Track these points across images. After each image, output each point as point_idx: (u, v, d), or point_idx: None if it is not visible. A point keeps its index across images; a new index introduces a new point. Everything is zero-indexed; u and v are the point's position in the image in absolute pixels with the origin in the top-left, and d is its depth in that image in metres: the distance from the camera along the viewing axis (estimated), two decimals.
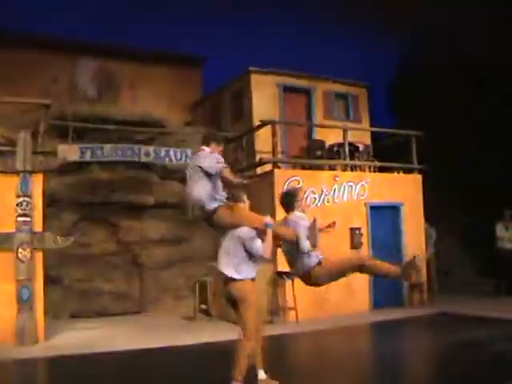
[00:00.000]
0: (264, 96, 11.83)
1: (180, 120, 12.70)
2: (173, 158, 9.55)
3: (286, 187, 8.88)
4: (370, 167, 11.09)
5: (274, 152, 9.78)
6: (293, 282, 8.38)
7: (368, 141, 12.46)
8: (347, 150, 10.55)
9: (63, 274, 9.66)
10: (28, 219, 7.62)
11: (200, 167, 4.65)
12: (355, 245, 10.07)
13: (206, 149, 4.87)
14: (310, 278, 4.99)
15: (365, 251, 10.22)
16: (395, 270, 5.16)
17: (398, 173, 11.21)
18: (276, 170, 9.54)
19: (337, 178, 10.11)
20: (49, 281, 8.44)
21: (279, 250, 5.39)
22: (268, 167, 9.92)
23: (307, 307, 9.10)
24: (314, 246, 4.88)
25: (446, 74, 16.89)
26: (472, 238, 14.38)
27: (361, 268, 5.16)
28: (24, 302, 7.45)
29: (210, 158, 4.74)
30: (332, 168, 10.62)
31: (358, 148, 11.19)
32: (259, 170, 10.51)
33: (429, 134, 11.61)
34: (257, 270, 4.75)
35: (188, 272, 10.09)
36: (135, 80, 14.08)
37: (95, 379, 5.84)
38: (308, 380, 5.47)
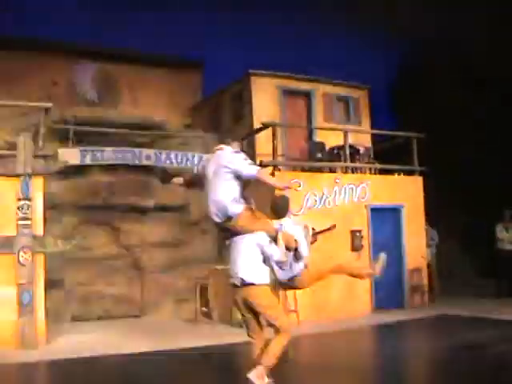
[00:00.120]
0: (264, 98, 11.82)
1: (180, 123, 12.69)
2: (173, 160, 9.54)
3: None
4: (370, 169, 11.10)
5: (274, 154, 9.78)
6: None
7: (368, 143, 12.46)
8: (348, 152, 10.55)
9: (64, 277, 9.65)
10: (29, 223, 7.61)
11: (228, 168, 4.47)
12: (356, 247, 10.08)
13: (227, 147, 4.71)
14: (294, 283, 4.97)
15: (365, 253, 10.23)
16: (368, 272, 5.39)
17: (399, 175, 11.22)
18: (276, 173, 9.54)
19: (337, 181, 10.11)
20: (50, 284, 8.43)
21: None
22: (268, 170, 9.91)
23: (308, 309, 9.11)
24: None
25: (445, 73, 16.91)
26: (472, 239, 14.40)
27: (338, 271, 5.30)
28: (25, 306, 7.44)
29: (240, 158, 4.55)
30: (332, 170, 10.63)
31: (358, 150, 11.19)
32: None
33: (429, 134, 11.61)
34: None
35: (189, 275, 10.08)
36: (135, 83, 14.08)
37: (96, 382, 5.84)
38: (309, 381, 5.48)
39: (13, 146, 7.97)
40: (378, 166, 11.28)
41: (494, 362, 6.09)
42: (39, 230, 7.78)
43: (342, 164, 10.68)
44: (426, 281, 10.90)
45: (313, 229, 9.76)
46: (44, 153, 8.13)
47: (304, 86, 12.50)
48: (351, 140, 10.85)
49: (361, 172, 10.91)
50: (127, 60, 14.11)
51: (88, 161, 9.01)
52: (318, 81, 12.63)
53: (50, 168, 8.17)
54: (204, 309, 9.76)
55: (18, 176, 7.66)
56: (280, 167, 9.90)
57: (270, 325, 4.62)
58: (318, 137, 11.91)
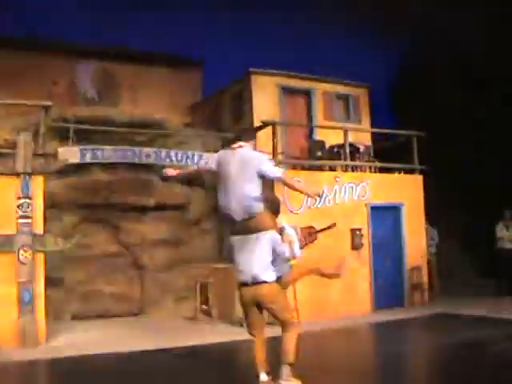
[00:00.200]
0: (264, 97, 11.83)
1: (180, 121, 12.69)
2: (174, 159, 9.52)
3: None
4: (370, 168, 11.10)
5: (274, 153, 9.78)
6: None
7: (368, 141, 12.46)
8: (348, 150, 10.56)
9: (64, 276, 9.65)
10: (29, 221, 7.63)
11: (258, 168, 4.52)
12: (356, 245, 10.09)
13: (246, 145, 4.73)
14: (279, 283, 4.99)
15: (365, 252, 10.23)
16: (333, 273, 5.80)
17: (399, 173, 11.22)
18: None
19: (337, 179, 10.11)
20: (50, 283, 8.44)
21: None
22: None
23: (308, 308, 9.09)
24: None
25: (445, 73, 16.90)
26: (472, 239, 14.40)
27: (312, 272, 5.61)
28: (25, 304, 7.46)
29: (267, 160, 4.65)
30: (332, 169, 10.63)
31: (358, 149, 11.20)
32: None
33: (429, 134, 11.62)
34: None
35: (189, 273, 10.08)
36: (135, 82, 14.08)
37: (96, 381, 5.83)
38: (309, 381, 5.47)
39: (13, 145, 7.97)
40: (378, 164, 11.28)
41: (494, 361, 6.08)
42: (39, 228, 7.80)
43: (342, 162, 10.69)
44: (425, 279, 10.90)
45: (313, 227, 9.84)
46: (44, 151, 8.14)
47: (304, 84, 12.50)
48: (351, 138, 10.86)
49: (361, 170, 10.91)
50: (127, 59, 14.11)
51: (88, 159, 8.99)
52: (318, 79, 12.63)
53: (50, 167, 8.18)
54: (204, 307, 9.76)
55: (18, 175, 7.67)
56: (280, 166, 9.89)
57: (281, 321, 4.67)
58: (318, 135, 11.92)
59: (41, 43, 13.20)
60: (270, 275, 4.62)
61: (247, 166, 4.55)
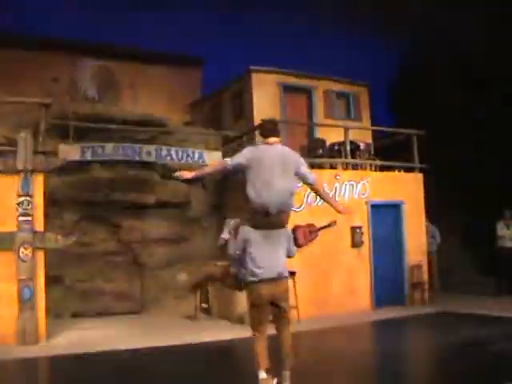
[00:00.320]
0: (265, 95, 11.84)
1: (180, 120, 12.70)
2: (174, 157, 9.53)
3: None
4: (371, 166, 11.10)
5: None
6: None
7: (369, 139, 12.47)
8: (348, 148, 10.56)
9: (64, 273, 9.65)
10: (29, 219, 7.61)
11: (301, 168, 4.59)
12: (356, 243, 10.09)
13: (278, 141, 4.71)
14: None
15: (366, 250, 10.23)
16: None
17: (399, 171, 11.22)
18: None
19: (338, 177, 10.11)
20: (50, 280, 8.43)
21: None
22: None
23: (309, 306, 9.10)
24: None
25: (446, 73, 16.91)
26: (472, 237, 14.39)
27: None
28: (25, 302, 7.45)
29: (302, 160, 4.71)
30: (333, 167, 10.62)
31: (358, 147, 11.20)
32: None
33: (429, 133, 11.63)
34: None
35: (189, 271, 10.07)
36: (135, 80, 14.10)
37: (96, 379, 5.83)
38: (310, 379, 5.47)
39: (13, 143, 7.95)
40: (379, 162, 11.28)
41: (494, 359, 6.08)
42: (39, 226, 7.79)
43: (342, 160, 10.68)
44: (426, 277, 10.89)
45: (313, 225, 9.83)
46: (44, 149, 8.12)
47: (304, 82, 12.52)
48: (351, 136, 10.86)
49: (361, 168, 10.91)
50: (128, 57, 14.13)
51: (88, 157, 8.99)
52: (318, 77, 12.65)
53: (50, 164, 8.15)
54: (204, 305, 9.75)
55: (18, 172, 7.66)
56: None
57: (287, 318, 4.68)
58: (319, 133, 11.93)
59: (41, 41, 13.20)
60: (287, 271, 4.68)
61: (288, 163, 4.57)
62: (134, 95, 13.95)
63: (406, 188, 10.86)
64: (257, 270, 4.51)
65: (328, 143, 11.33)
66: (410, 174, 11.20)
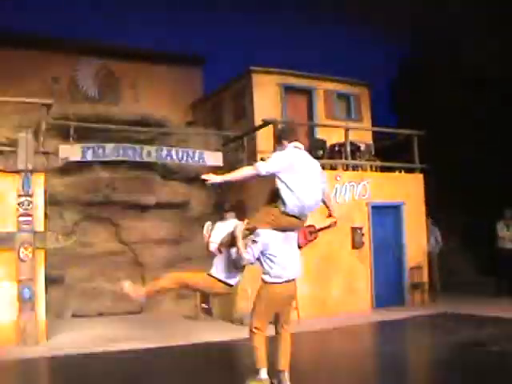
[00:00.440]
0: (265, 95, 11.84)
1: (181, 119, 12.70)
2: (174, 157, 9.53)
3: None
4: (371, 167, 11.10)
5: (275, 151, 9.75)
6: None
7: (369, 140, 12.47)
8: (348, 149, 10.56)
9: (65, 273, 9.66)
10: (29, 219, 7.61)
11: (321, 175, 4.77)
12: (356, 244, 10.09)
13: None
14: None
15: (366, 251, 10.24)
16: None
17: (400, 172, 11.22)
18: None
19: (338, 178, 10.11)
20: (50, 280, 8.44)
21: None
22: None
23: (309, 307, 9.11)
24: None
25: (445, 73, 16.91)
26: (472, 238, 14.38)
27: None
28: (25, 302, 7.44)
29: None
30: (333, 167, 10.63)
31: (359, 147, 11.20)
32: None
33: (429, 133, 11.63)
34: None
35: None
36: (136, 79, 14.09)
37: (97, 379, 5.84)
38: (309, 380, 5.48)
39: (14, 143, 7.95)
40: (379, 163, 11.29)
41: (495, 360, 6.08)
42: (40, 226, 7.79)
43: (342, 161, 10.68)
44: (426, 278, 10.89)
45: (313, 226, 9.82)
46: (45, 149, 8.12)
47: (305, 82, 12.51)
48: (352, 137, 10.86)
49: (362, 169, 10.91)
50: (128, 57, 14.11)
51: (89, 157, 8.99)
52: (319, 78, 12.64)
53: (50, 164, 8.15)
54: (204, 305, 9.75)
55: (19, 172, 7.66)
56: None
57: (289, 319, 4.79)
58: (319, 134, 11.92)
59: (42, 41, 13.17)
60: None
61: (317, 171, 4.72)
62: (135, 95, 13.95)
63: (407, 189, 10.86)
64: (281, 272, 4.58)
65: (328, 144, 11.32)
66: (411, 175, 11.20)
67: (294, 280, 4.69)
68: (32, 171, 7.72)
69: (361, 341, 8.13)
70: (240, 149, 10.99)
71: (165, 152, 9.49)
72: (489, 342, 6.89)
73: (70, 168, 9.17)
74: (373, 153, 11.88)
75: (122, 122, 10.07)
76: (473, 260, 14.52)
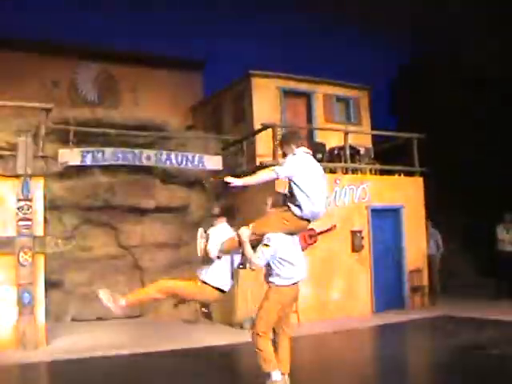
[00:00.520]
0: (265, 99, 11.83)
1: (181, 123, 12.67)
2: (174, 161, 9.53)
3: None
4: (370, 170, 11.09)
5: (274, 155, 9.77)
6: None
7: (369, 143, 12.47)
8: (348, 152, 10.55)
9: (64, 277, 9.65)
10: (29, 223, 7.62)
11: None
12: (356, 248, 10.08)
13: None
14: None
15: (366, 254, 10.23)
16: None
17: (399, 175, 11.21)
18: None
19: (337, 181, 10.11)
20: (50, 285, 8.44)
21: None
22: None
23: (309, 310, 9.11)
24: None
25: (445, 73, 16.92)
26: (472, 240, 14.37)
27: None
28: (25, 306, 7.45)
29: None
30: (333, 171, 10.62)
31: (358, 151, 11.19)
32: (212, 180, 10.50)
33: (429, 134, 11.62)
34: None
35: (189, 275, 10.06)
36: (136, 84, 14.07)
37: (97, 383, 5.84)
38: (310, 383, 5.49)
39: (13, 147, 7.95)
40: (379, 166, 11.28)
41: (495, 363, 6.09)
42: (39, 230, 7.79)
43: (342, 165, 10.68)
44: (426, 282, 10.89)
45: (313, 229, 9.83)
46: (44, 154, 8.12)
47: (304, 86, 12.51)
48: (351, 140, 10.85)
49: (361, 173, 10.90)
50: (128, 61, 14.10)
51: (88, 161, 8.98)
52: (318, 81, 12.64)
53: (50, 169, 8.16)
54: (204, 309, 9.73)
55: (18, 176, 7.66)
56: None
57: (290, 322, 4.85)
58: (319, 137, 11.92)
59: (41, 44, 13.17)
60: None
61: (323, 176, 4.89)
62: (135, 99, 13.93)
63: (406, 192, 10.85)
64: (291, 274, 4.66)
65: (328, 147, 11.32)
66: (410, 178, 11.19)
67: (298, 282, 4.77)
68: (31, 175, 7.73)
69: (361, 344, 8.14)
70: (239, 153, 11.00)
71: (164, 156, 9.48)
72: (489, 345, 6.90)
73: (69, 172, 9.17)
74: (372, 156, 11.87)
75: (121, 126, 10.06)
76: (473, 262, 14.51)
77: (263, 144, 10.75)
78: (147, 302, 4.99)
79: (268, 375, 4.57)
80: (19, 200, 7.61)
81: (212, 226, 5.03)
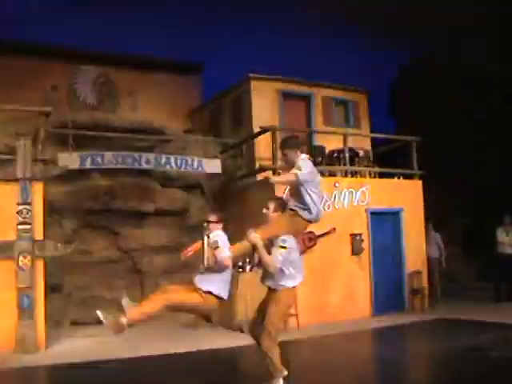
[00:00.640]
0: (264, 102, 11.82)
1: (180, 127, 12.67)
2: (173, 165, 9.52)
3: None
4: (370, 173, 11.08)
5: (273, 159, 9.77)
6: None
7: (368, 146, 12.47)
8: (347, 155, 10.55)
9: (64, 281, 9.65)
10: (28, 227, 7.62)
11: None
12: (356, 251, 10.08)
13: None
14: None
15: (365, 257, 10.23)
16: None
17: (399, 178, 11.21)
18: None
19: (337, 184, 10.10)
20: (49, 289, 8.43)
21: None
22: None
23: (308, 313, 9.11)
24: None
25: (445, 73, 16.92)
26: (472, 242, 14.38)
27: None
28: (24, 310, 7.46)
29: None
30: (332, 174, 10.62)
31: (357, 154, 11.20)
32: (259, 177, 10.50)
33: (429, 135, 11.64)
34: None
35: (188, 279, 10.06)
36: (135, 87, 14.05)
37: None
38: None
39: (13, 151, 7.96)
40: (378, 169, 11.28)
41: (494, 366, 6.10)
42: (39, 234, 7.79)
43: (341, 168, 10.67)
44: (425, 284, 10.88)
45: (312, 232, 9.83)
46: (44, 157, 8.12)
47: (303, 89, 12.50)
48: (350, 143, 10.85)
49: (360, 176, 10.90)
50: (127, 64, 14.09)
51: (88, 165, 8.97)
52: (317, 84, 12.63)
53: (49, 172, 8.16)
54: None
55: (17, 180, 7.66)
56: (279, 171, 9.88)
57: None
58: (318, 140, 11.91)
59: (40, 48, 13.16)
60: None
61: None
62: (134, 102, 13.90)
63: (406, 195, 10.85)
64: (299, 276, 4.80)
65: (327, 150, 11.32)
66: (409, 181, 11.18)
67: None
68: (31, 179, 7.74)
69: (360, 347, 8.13)
70: (239, 156, 11.00)
71: (164, 159, 9.46)
72: (488, 348, 6.88)
73: (68, 176, 9.15)
74: (371, 159, 11.87)
75: (120, 130, 10.07)
76: (472, 265, 14.49)
77: (262, 147, 10.75)
78: (149, 317, 4.92)
79: (276, 380, 4.65)
80: (18, 204, 7.60)
81: (208, 231, 4.96)
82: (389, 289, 10.40)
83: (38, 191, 7.83)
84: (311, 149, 11.55)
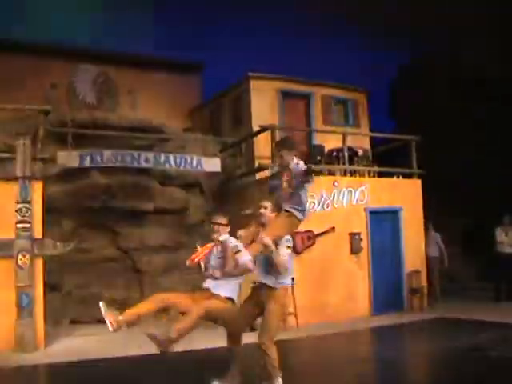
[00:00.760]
0: (263, 101, 11.85)
1: (179, 126, 12.69)
2: (172, 163, 9.53)
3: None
4: (369, 172, 11.09)
5: (273, 157, 9.77)
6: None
7: (367, 146, 12.47)
8: (346, 154, 10.55)
9: (63, 280, 9.65)
10: (27, 226, 7.63)
11: None
12: (355, 250, 10.08)
13: None
14: None
15: (364, 256, 10.24)
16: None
17: (398, 177, 11.21)
18: None
19: (336, 183, 10.10)
20: (48, 287, 8.44)
21: None
22: (267, 173, 9.91)
23: (307, 312, 9.11)
24: None
25: (445, 73, 16.92)
26: (471, 242, 14.38)
27: None
28: (24, 309, 7.46)
29: None
30: (331, 173, 10.62)
31: (357, 153, 11.21)
32: (258, 176, 10.51)
33: (428, 134, 11.64)
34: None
35: (188, 278, 10.06)
36: (134, 86, 14.07)
37: None
38: None
39: (12, 149, 7.96)
40: (377, 168, 11.28)
41: (493, 365, 6.10)
42: (38, 233, 7.80)
43: (340, 167, 10.68)
44: (425, 284, 10.89)
45: (311, 231, 9.84)
46: (43, 156, 8.13)
47: (303, 88, 12.52)
48: (350, 143, 10.85)
49: (359, 175, 10.90)
50: (127, 63, 14.11)
51: (87, 164, 8.98)
52: (316, 83, 12.65)
53: (49, 171, 8.17)
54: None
55: (17, 179, 7.66)
56: (275, 166, 9.88)
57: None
58: (317, 139, 11.92)
59: (40, 47, 13.19)
60: None
61: None
62: (133, 101, 13.92)
63: (405, 194, 10.85)
64: (291, 274, 4.82)
65: (326, 149, 11.32)
66: (409, 180, 11.18)
67: None
68: (30, 178, 7.73)
69: (359, 346, 8.14)
70: (238, 154, 11.01)
71: (163, 158, 9.47)
72: (488, 348, 6.89)
73: (68, 175, 9.16)
74: (370, 158, 11.88)
75: (120, 129, 10.07)
76: (472, 264, 14.50)
77: (262, 146, 10.76)
78: (147, 314, 4.90)
79: (276, 380, 4.64)
80: (18, 202, 7.61)
81: (217, 234, 4.95)
82: (388, 288, 10.41)
83: (37, 190, 7.84)
84: (310, 148, 11.56)
